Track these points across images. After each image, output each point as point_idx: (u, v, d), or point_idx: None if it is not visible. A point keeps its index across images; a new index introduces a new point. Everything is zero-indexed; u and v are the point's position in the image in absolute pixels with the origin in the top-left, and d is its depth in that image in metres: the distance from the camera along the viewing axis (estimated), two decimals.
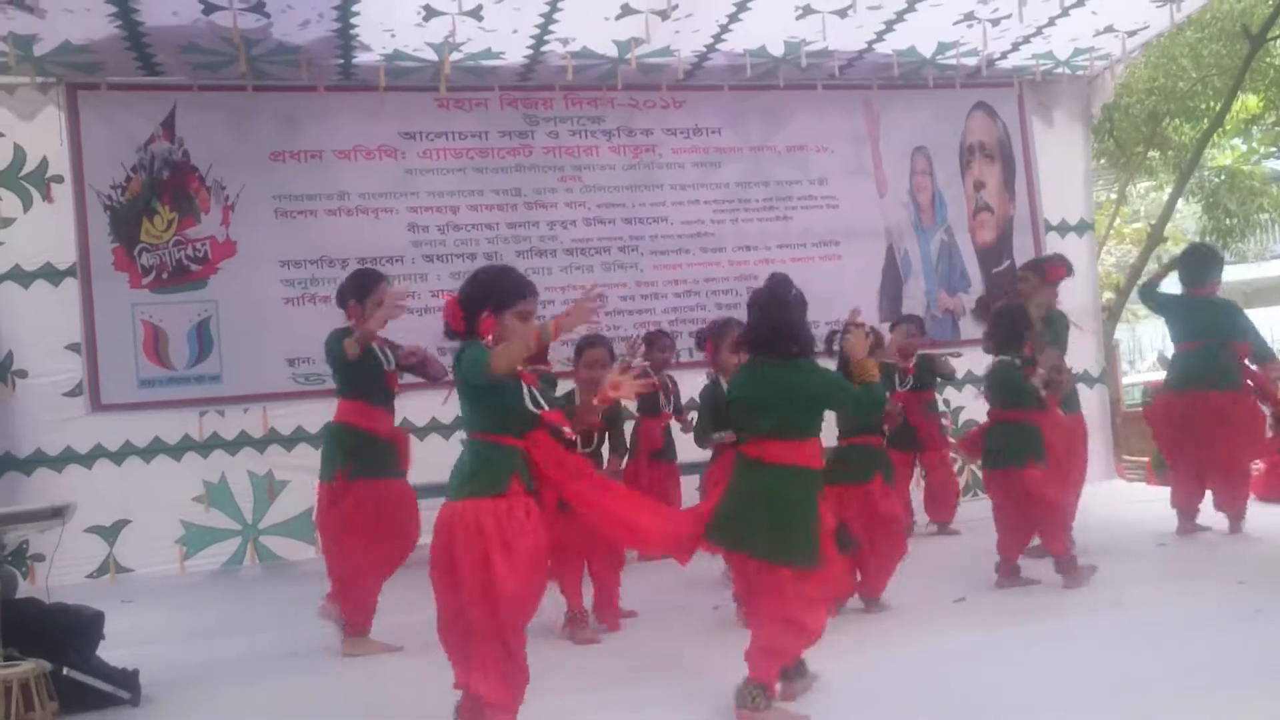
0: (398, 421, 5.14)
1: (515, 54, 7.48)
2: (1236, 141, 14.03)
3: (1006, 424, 5.28)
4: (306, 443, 7.52)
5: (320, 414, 7.44)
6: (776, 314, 3.64)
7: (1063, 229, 9.18)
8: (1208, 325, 6.37)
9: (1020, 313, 5.46)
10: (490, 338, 3.31)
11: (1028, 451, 5.15)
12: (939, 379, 7.19)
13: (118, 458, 7.25)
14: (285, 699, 4.22)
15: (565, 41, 7.32)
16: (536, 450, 3.32)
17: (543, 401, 3.35)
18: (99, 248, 7.25)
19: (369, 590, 4.86)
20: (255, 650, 5.02)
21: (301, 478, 7.44)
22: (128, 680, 4.22)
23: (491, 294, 3.35)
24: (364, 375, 4.83)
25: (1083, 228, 9.28)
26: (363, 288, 4.86)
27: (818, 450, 3.62)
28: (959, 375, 7.62)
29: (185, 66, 7.18)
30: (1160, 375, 12.18)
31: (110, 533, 7.18)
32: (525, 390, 3.31)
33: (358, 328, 4.71)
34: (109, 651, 4.34)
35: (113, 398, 7.23)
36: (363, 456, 4.77)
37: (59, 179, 7.23)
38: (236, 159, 7.50)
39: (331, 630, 4.92)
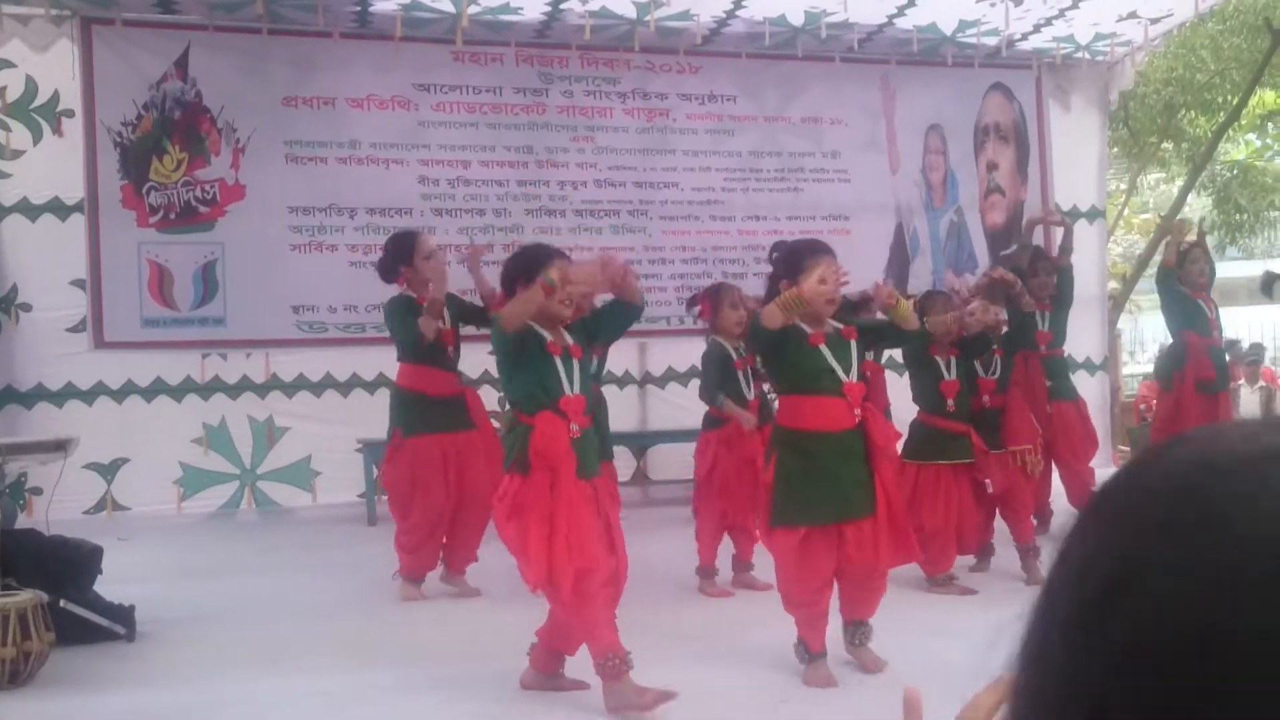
0: None
1: (533, 10, 7.41)
2: (1251, 137, 13.97)
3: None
4: (308, 390, 7.56)
5: (323, 362, 7.57)
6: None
7: (1073, 215, 9.12)
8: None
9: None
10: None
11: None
12: None
13: (119, 396, 7.27)
14: (277, 641, 4.26)
15: (584, 0, 7.26)
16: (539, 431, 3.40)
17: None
18: (107, 184, 7.21)
19: (426, 539, 5.01)
20: (249, 593, 5.06)
21: (301, 425, 7.49)
22: (124, 616, 4.25)
23: (518, 270, 3.55)
24: (418, 340, 4.94)
25: (1094, 214, 9.26)
26: (408, 251, 5.01)
27: (792, 407, 3.69)
28: None
29: (201, 6, 7.11)
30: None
31: (109, 470, 7.21)
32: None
33: (426, 304, 4.92)
34: (105, 587, 4.38)
35: (116, 335, 7.22)
36: (417, 416, 4.96)
37: (70, 113, 7.19)
38: (249, 102, 7.45)
39: (323, 575, 4.96)
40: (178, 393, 7.36)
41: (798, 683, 3.66)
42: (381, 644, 4.21)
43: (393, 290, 5.24)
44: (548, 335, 3.47)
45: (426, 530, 4.99)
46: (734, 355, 4.96)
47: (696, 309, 5.32)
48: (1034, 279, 5.96)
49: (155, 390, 7.33)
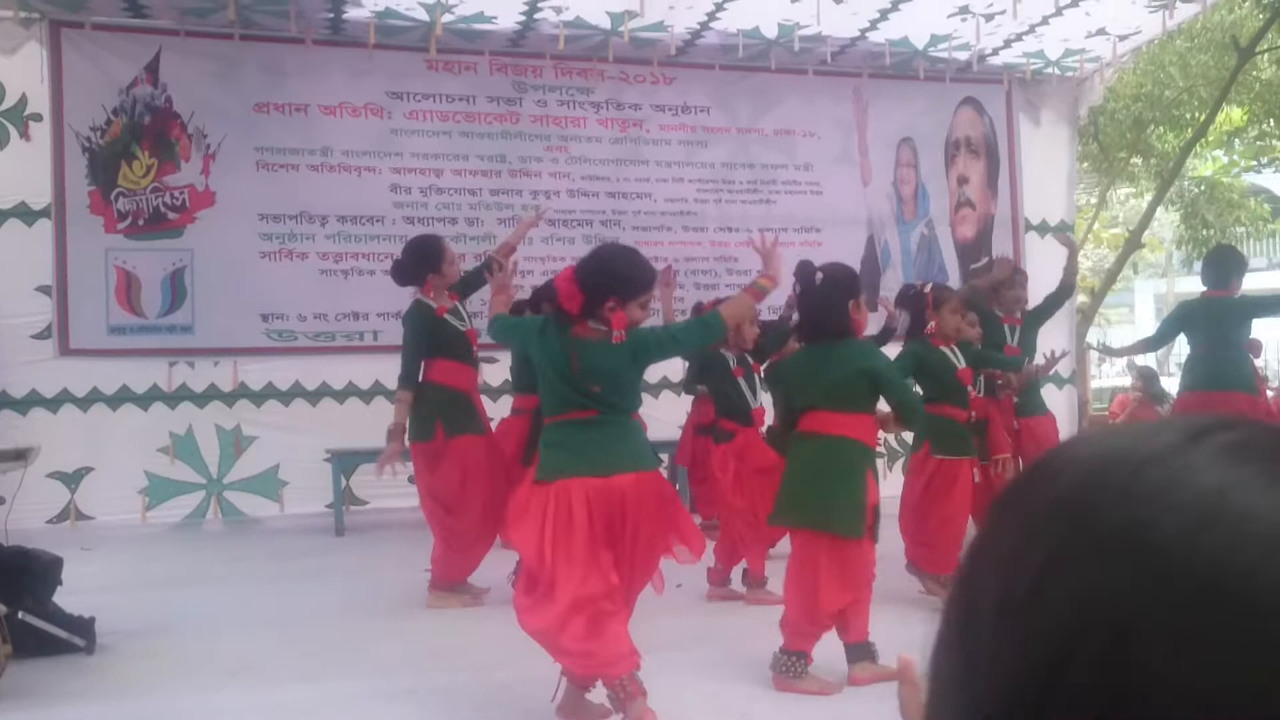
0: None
1: (508, 19, 7.41)
2: (1218, 153, 14.13)
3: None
4: (276, 399, 7.49)
5: (291, 371, 7.51)
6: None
7: (1043, 229, 9.22)
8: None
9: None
10: (623, 331, 3.29)
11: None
12: None
13: (84, 404, 7.18)
14: (240, 653, 4.21)
15: (559, 10, 7.26)
16: None
17: None
18: (75, 190, 7.15)
19: (479, 539, 4.96)
20: (213, 604, 5.00)
21: (269, 434, 7.42)
22: (84, 628, 4.19)
23: (622, 284, 3.31)
24: (443, 339, 4.99)
25: (1063, 228, 9.30)
26: (436, 257, 5.01)
27: (867, 425, 3.74)
28: None
29: (172, 11, 7.07)
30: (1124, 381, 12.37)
31: (73, 479, 7.11)
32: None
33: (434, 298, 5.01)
34: (66, 598, 4.31)
35: (82, 343, 7.15)
36: (460, 414, 4.93)
37: (38, 117, 7.12)
38: (220, 108, 7.41)
39: (290, 586, 4.90)
40: (144, 401, 7.28)
41: (770, 689, 3.67)
42: (345, 655, 4.17)
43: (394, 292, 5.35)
44: None
45: (479, 530, 4.92)
46: (731, 364, 5.06)
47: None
48: (1009, 292, 5.95)
49: (121, 398, 7.24)
